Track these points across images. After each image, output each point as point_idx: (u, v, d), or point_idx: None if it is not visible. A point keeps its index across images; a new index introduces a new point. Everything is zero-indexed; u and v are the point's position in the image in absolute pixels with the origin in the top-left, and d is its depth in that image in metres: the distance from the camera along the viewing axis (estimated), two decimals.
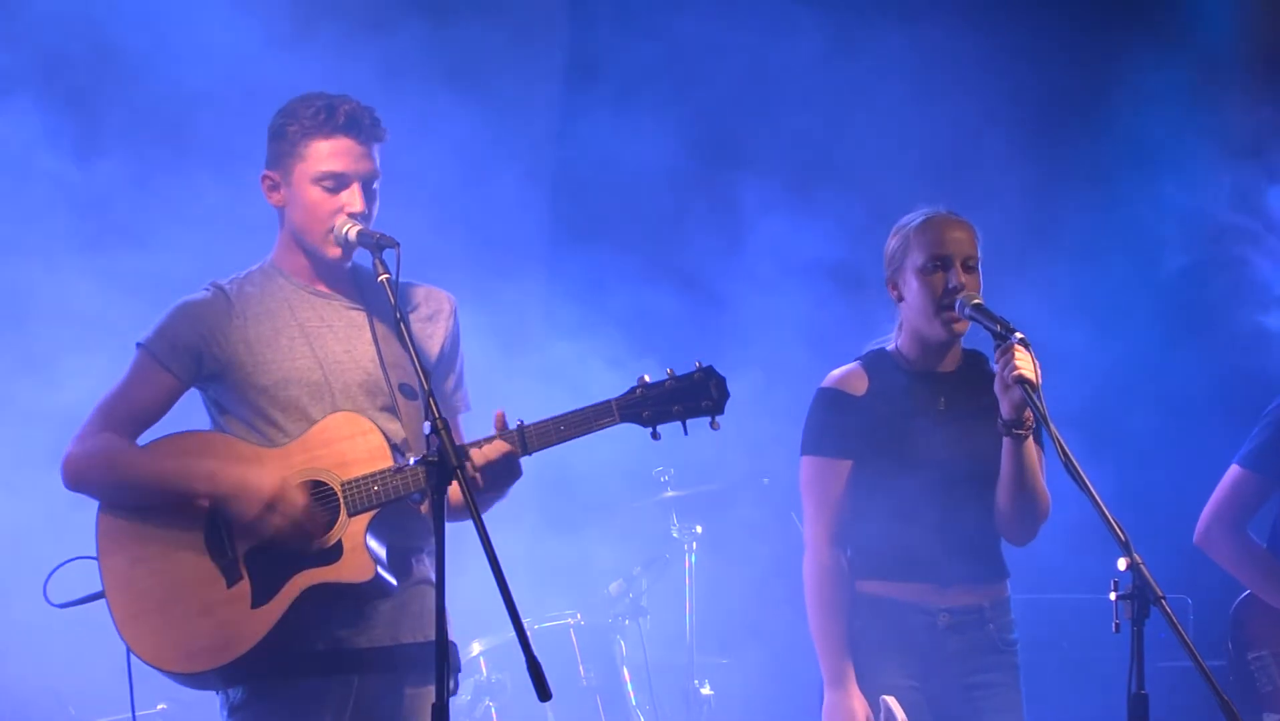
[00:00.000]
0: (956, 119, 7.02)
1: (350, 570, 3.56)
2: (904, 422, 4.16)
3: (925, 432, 4.15)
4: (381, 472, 3.58)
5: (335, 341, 3.75)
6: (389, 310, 3.65)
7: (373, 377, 3.74)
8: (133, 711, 3.80)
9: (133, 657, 3.61)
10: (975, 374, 4.23)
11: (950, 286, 4.08)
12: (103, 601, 3.63)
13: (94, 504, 3.67)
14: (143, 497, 3.61)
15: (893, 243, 4.22)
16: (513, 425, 3.57)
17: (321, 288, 3.79)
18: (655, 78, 6.98)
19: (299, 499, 3.54)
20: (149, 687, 3.79)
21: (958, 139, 7.01)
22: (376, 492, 3.57)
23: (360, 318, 3.79)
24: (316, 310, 3.77)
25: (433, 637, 3.64)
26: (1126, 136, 7.11)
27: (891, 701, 3.97)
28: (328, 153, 3.68)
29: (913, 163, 6.94)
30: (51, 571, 3.71)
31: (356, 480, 3.59)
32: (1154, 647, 3.29)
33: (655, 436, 3.56)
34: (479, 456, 3.53)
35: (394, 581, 3.64)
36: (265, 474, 3.55)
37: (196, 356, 3.70)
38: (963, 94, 7.02)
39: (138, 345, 3.73)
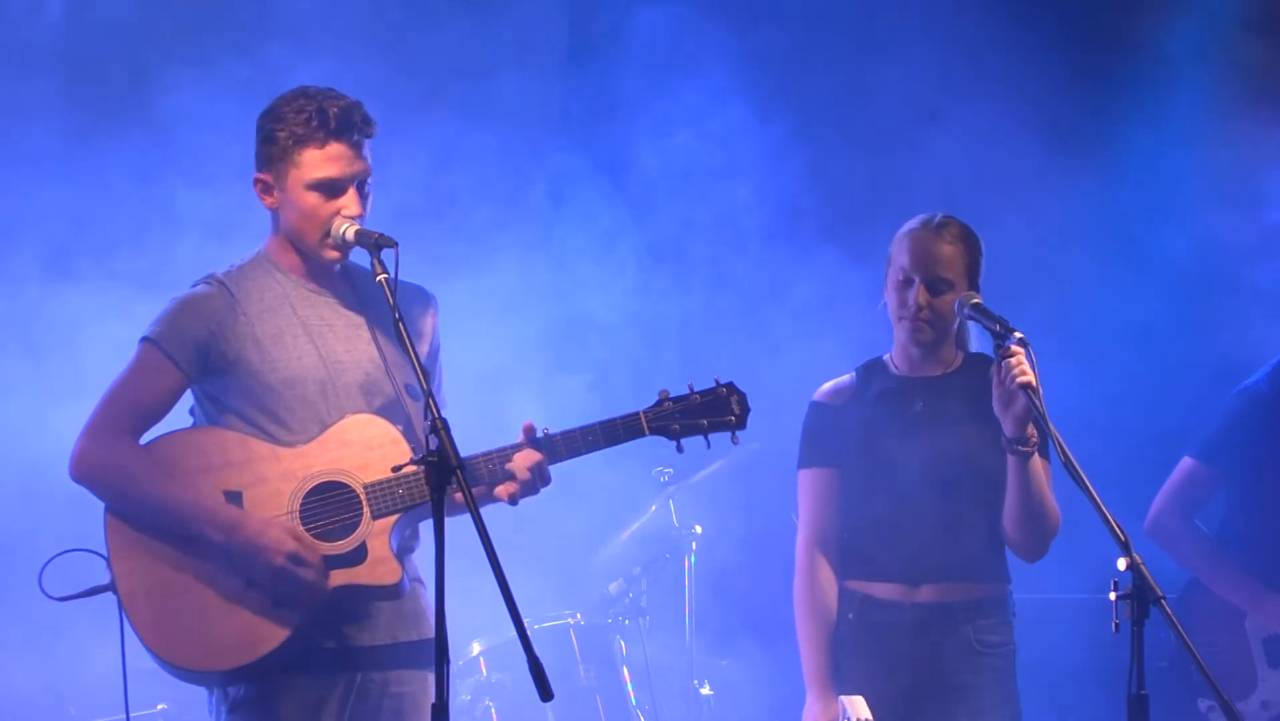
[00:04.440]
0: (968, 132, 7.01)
1: (379, 573, 3.60)
2: (877, 427, 4.20)
3: (898, 436, 4.19)
4: (407, 476, 3.60)
5: (336, 341, 3.75)
6: (385, 309, 3.67)
7: (372, 378, 3.75)
8: (126, 710, 3.77)
9: (128, 658, 3.60)
10: (970, 378, 4.24)
11: (908, 304, 4.14)
12: (102, 597, 3.60)
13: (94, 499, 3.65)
14: (153, 520, 3.59)
15: (891, 247, 4.26)
16: (539, 434, 3.66)
17: (319, 286, 3.79)
18: None
19: (312, 560, 3.54)
20: (149, 687, 3.78)
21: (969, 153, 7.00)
22: (402, 496, 3.60)
23: (357, 317, 3.80)
24: (316, 308, 3.77)
25: (426, 636, 3.73)
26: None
27: (850, 701, 3.94)
28: (322, 160, 3.66)
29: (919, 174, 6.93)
30: (47, 562, 3.66)
31: (381, 483, 3.61)
32: (1154, 647, 3.29)
33: (680, 449, 3.76)
34: (516, 467, 3.63)
35: (407, 582, 3.68)
36: (279, 532, 3.53)
37: (204, 352, 3.67)
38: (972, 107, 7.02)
39: (143, 339, 3.70)
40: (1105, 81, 7.20)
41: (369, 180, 3.73)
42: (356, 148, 3.68)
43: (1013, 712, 4.20)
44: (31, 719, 5.60)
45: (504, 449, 3.66)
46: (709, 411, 3.75)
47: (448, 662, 3.14)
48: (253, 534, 3.53)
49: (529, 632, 3.09)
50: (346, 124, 3.67)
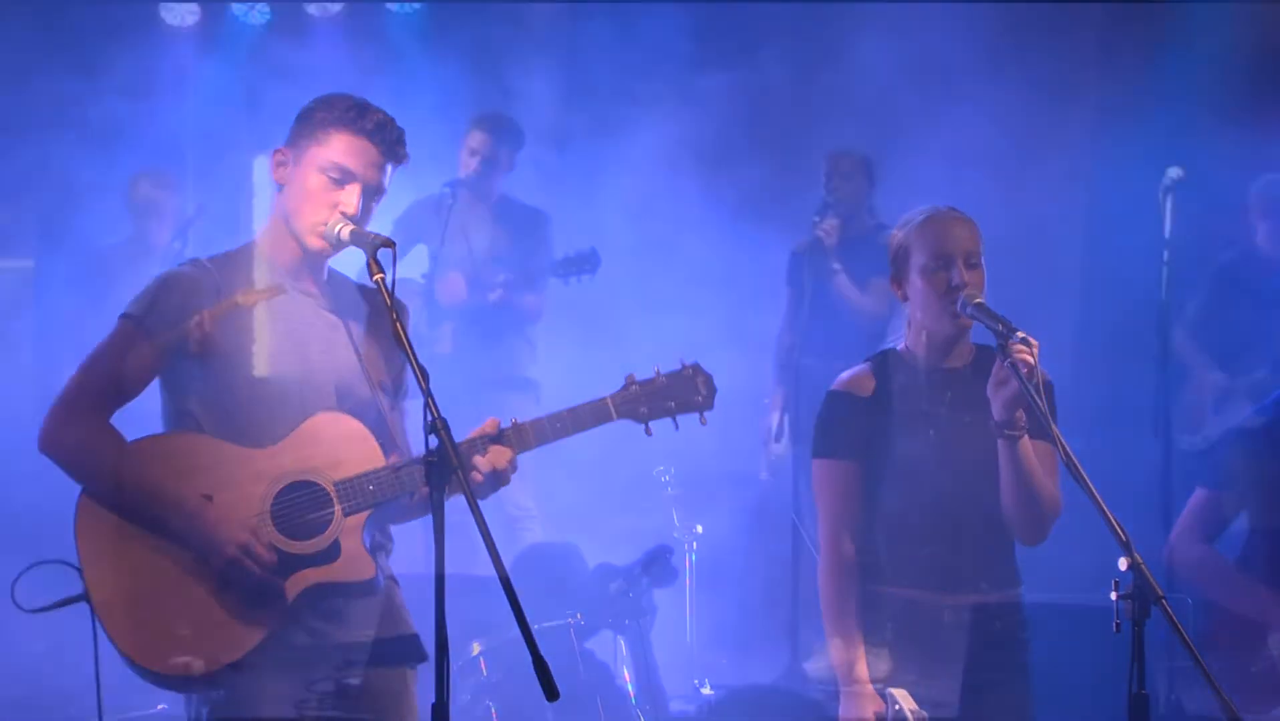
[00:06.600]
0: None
1: (351, 569, 3.60)
2: (908, 422, 4.18)
3: (929, 431, 4.18)
4: (377, 472, 3.60)
5: (315, 342, 3.75)
6: (359, 314, 3.73)
7: (347, 382, 3.74)
8: (100, 714, 3.76)
9: (102, 664, 3.61)
10: (986, 370, 4.23)
11: (953, 284, 4.09)
12: (79, 606, 3.59)
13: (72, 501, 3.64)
14: (118, 501, 3.59)
15: (895, 242, 4.24)
16: (507, 424, 3.64)
17: (304, 286, 3.78)
18: None
19: (264, 554, 3.54)
20: (149, 687, 3.78)
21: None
22: (372, 492, 3.60)
23: (336, 320, 3.79)
24: (299, 309, 3.76)
25: (402, 632, 3.75)
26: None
27: (899, 694, 3.97)
28: (345, 147, 3.69)
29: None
30: (19, 574, 3.66)
31: (352, 480, 3.60)
32: (1154, 647, 3.29)
33: (648, 432, 3.75)
34: (484, 463, 3.59)
35: (381, 579, 3.68)
36: (234, 525, 3.53)
37: (183, 333, 3.67)
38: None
39: (121, 316, 3.69)
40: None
41: (377, 198, 3.75)
42: (382, 157, 3.71)
43: (1032, 710, 4.23)
44: (32, 719, 5.60)
45: (473, 440, 3.64)
46: (675, 393, 3.76)
47: (448, 662, 3.14)
48: (210, 524, 3.53)
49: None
50: (381, 132, 3.71)
